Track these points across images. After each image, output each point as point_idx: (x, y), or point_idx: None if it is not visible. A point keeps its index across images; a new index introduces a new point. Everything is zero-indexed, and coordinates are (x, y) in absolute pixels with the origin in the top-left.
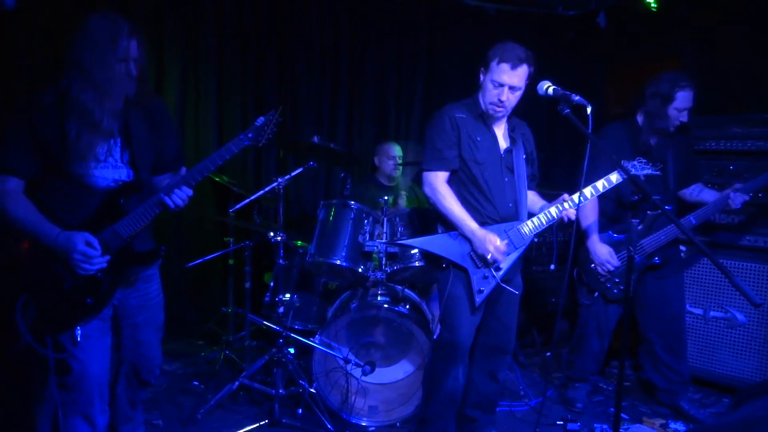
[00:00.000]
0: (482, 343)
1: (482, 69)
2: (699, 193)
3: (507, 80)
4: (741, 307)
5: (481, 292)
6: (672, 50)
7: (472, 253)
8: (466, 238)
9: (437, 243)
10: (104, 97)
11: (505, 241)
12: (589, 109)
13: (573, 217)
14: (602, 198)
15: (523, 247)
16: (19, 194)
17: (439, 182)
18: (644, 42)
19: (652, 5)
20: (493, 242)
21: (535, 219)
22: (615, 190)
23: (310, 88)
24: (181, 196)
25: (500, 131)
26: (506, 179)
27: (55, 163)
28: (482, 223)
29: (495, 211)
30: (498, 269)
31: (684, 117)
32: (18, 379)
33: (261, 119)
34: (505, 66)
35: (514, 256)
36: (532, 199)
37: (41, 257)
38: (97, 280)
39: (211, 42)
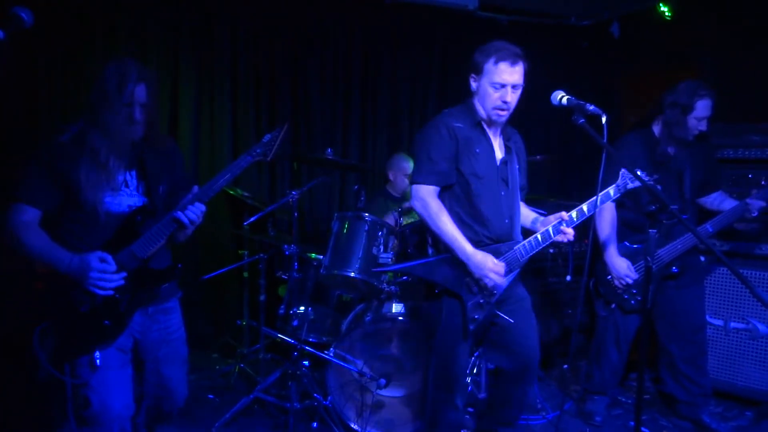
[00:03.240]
0: (507, 369)
1: (473, 75)
2: (721, 202)
3: (509, 79)
4: (762, 318)
5: (474, 320)
6: (687, 59)
7: (468, 278)
8: (460, 262)
9: (429, 268)
10: (110, 139)
11: (502, 264)
12: (604, 119)
13: (572, 238)
14: (620, 207)
15: (518, 269)
16: (34, 225)
17: (430, 197)
18: (659, 51)
19: (666, 14)
20: (492, 267)
21: (532, 239)
22: (633, 199)
23: (323, 102)
24: (195, 212)
25: (496, 140)
26: (502, 193)
27: (72, 196)
28: (477, 243)
29: (491, 229)
30: (492, 294)
31: (703, 126)
32: (38, 412)
33: (268, 136)
34: (503, 65)
35: (508, 279)
36: (523, 211)
37: (57, 284)
38: (115, 301)
39: (225, 58)
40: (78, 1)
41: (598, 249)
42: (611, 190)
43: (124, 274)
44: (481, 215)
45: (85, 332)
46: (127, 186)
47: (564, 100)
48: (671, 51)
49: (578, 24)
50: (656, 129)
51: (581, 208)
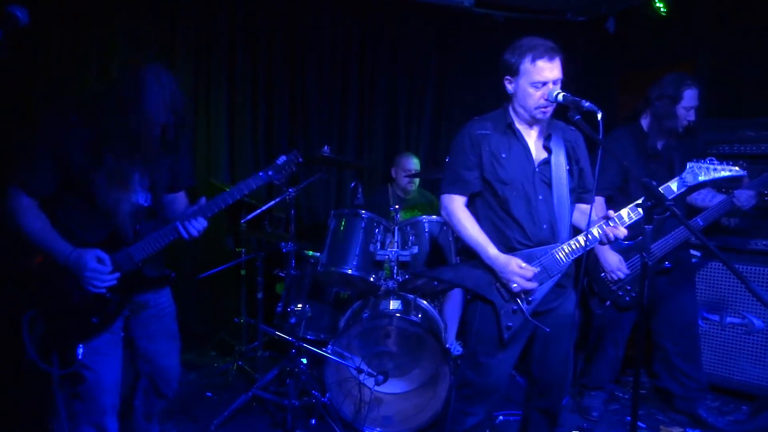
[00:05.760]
0: (538, 380)
1: (507, 78)
2: (712, 198)
3: (549, 75)
4: (758, 313)
5: (509, 328)
6: (683, 54)
7: (498, 283)
8: (490, 266)
9: (458, 273)
10: (152, 127)
11: (537, 269)
12: (599, 115)
13: (620, 236)
14: (612, 204)
15: (559, 274)
16: (34, 210)
17: (456, 206)
18: (655, 47)
19: (662, 10)
20: (517, 270)
21: (572, 242)
22: (626, 195)
23: (320, 99)
24: (196, 227)
25: (532, 140)
26: (540, 196)
27: (74, 182)
28: (510, 249)
29: (524, 235)
30: (529, 302)
31: (692, 116)
32: (31, 391)
33: (283, 158)
34: (542, 62)
35: (547, 285)
36: (578, 217)
37: (51, 272)
38: (105, 300)
39: (223, 53)
40: None
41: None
42: (673, 184)
43: (118, 275)
44: (512, 220)
45: (72, 325)
46: (131, 180)
47: (560, 97)
48: (666, 47)
49: (574, 20)
50: (644, 123)
51: (635, 207)
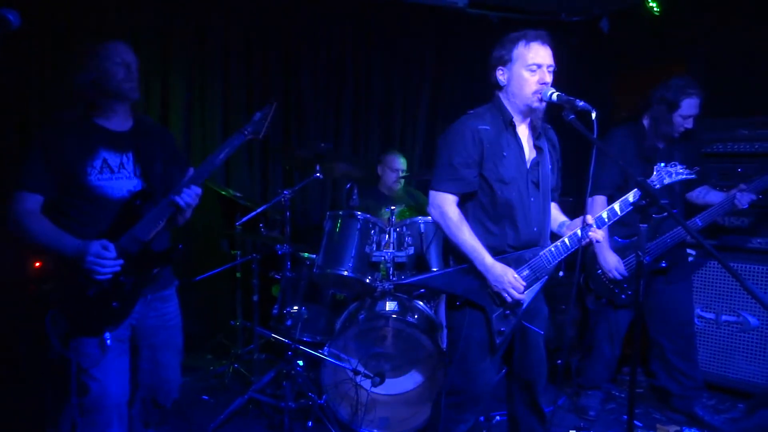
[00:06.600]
0: (517, 376)
1: (500, 68)
2: (705, 195)
3: (542, 59)
4: (753, 311)
5: (501, 333)
6: (677, 54)
7: (489, 288)
8: (481, 273)
9: (450, 279)
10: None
11: (525, 273)
12: (593, 115)
13: (600, 239)
14: (610, 201)
15: (546, 276)
16: (37, 213)
17: (448, 205)
18: (649, 46)
19: (655, 9)
20: (512, 281)
21: (559, 244)
22: (623, 194)
23: (316, 101)
24: (190, 194)
25: (524, 138)
26: (532, 198)
27: (72, 179)
28: (500, 252)
29: (516, 238)
30: (519, 305)
31: (689, 124)
32: (30, 407)
33: (258, 114)
34: (536, 45)
35: (535, 287)
36: (552, 213)
37: (64, 270)
38: (120, 283)
39: (218, 54)
40: None
41: (588, 244)
42: (630, 196)
43: (122, 261)
44: (506, 223)
45: (94, 314)
46: (124, 168)
47: (554, 97)
48: (660, 46)
49: (568, 20)
50: (645, 123)
51: (613, 208)
